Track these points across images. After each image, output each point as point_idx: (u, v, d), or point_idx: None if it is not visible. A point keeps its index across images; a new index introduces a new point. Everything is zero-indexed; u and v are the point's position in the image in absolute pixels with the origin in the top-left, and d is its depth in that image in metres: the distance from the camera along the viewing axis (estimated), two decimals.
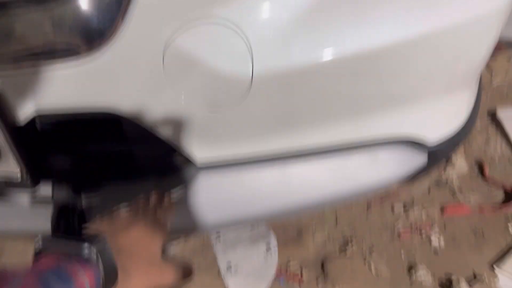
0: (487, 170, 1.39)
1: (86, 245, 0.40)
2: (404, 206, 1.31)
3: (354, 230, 1.25)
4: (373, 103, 0.73)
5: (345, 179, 0.80)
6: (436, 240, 1.19)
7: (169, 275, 0.53)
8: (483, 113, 1.68)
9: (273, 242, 1.22)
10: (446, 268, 1.12)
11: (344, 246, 1.21)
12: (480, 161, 1.44)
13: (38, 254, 0.41)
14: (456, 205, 1.28)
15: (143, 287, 0.49)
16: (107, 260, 0.42)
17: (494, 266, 1.10)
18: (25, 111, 0.67)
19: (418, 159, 0.85)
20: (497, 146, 1.49)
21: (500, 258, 1.12)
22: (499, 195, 1.31)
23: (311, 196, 0.80)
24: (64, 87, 0.65)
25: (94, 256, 0.40)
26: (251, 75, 0.62)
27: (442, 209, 1.28)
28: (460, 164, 1.42)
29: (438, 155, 0.86)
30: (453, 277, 1.07)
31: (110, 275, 0.42)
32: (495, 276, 1.07)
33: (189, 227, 0.78)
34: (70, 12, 0.59)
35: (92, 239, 0.42)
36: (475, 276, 1.08)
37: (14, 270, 0.32)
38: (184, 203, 0.77)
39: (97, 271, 0.40)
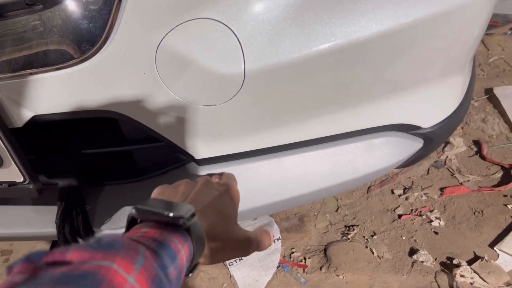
0: (485, 149, 1.40)
1: (182, 218, 0.40)
2: (404, 189, 1.33)
3: (355, 215, 1.27)
4: (367, 92, 0.74)
5: (343, 168, 0.81)
6: (436, 221, 1.20)
7: (247, 245, 0.52)
8: (480, 91, 1.68)
9: (276, 231, 1.24)
10: (447, 249, 1.13)
11: (346, 231, 1.22)
12: (478, 140, 1.44)
13: (132, 223, 0.42)
14: (455, 186, 1.30)
15: (224, 258, 0.49)
16: (197, 232, 0.42)
17: (494, 246, 1.11)
18: (23, 114, 0.68)
19: (414, 144, 0.86)
20: (495, 124, 1.50)
21: (499, 237, 1.13)
22: (498, 174, 1.32)
23: (311, 186, 0.81)
24: (61, 91, 0.65)
25: (189, 229, 0.40)
26: (243, 71, 0.63)
27: (441, 190, 1.30)
28: (458, 144, 1.43)
29: (434, 139, 0.87)
30: (454, 258, 1.09)
31: (199, 247, 0.42)
32: (496, 255, 1.09)
33: None
34: (61, 21, 0.60)
35: (184, 211, 0.41)
36: (475, 256, 1.10)
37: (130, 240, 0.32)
38: None
39: (190, 243, 0.40)
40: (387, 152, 0.83)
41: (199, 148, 0.76)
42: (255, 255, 1.19)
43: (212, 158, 0.77)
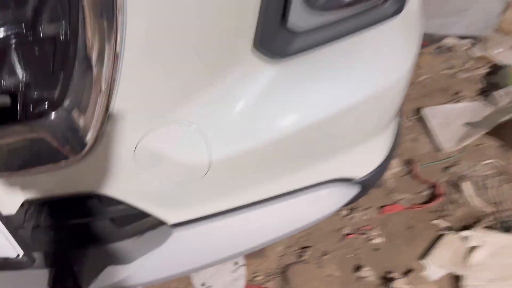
0: (415, 169, 1.61)
1: None
2: (350, 209, 1.51)
3: (307, 238, 1.44)
4: (313, 159, 0.89)
5: (292, 219, 0.97)
6: (377, 239, 1.40)
7: None
8: (410, 111, 1.89)
9: (240, 258, 1.39)
10: (385, 263, 1.33)
11: (301, 253, 1.39)
12: (409, 160, 1.66)
13: None
14: (391, 204, 1.50)
15: None
16: None
17: (423, 259, 1.32)
18: (15, 201, 0.78)
19: (352, 191, 1.03)
20: (424, 143, 1.72)
21: (427, 250, 1.34)
22: (426, 191, 1.54)
23: (266, 236, 0.96)
24: (52, 180, 0.76)
25: None
26: (209, 161, 0.76)
27: (380, 209, 1.50)
28: (393, 165, 1.63)
29: (369, 184, 1.05)
30: (392, 272, 1.29)
31: None
32: (425, 267, 1.30)
33: (166, 277, 0.93)
34: (51, 131, 0.70)
35: None
36: (409, 269, 1.30)
37: None
38: (160, 257, 0.91)
39: None
40: (329, 201, 1.00)
41: (170, 215, 0.89)
42: (221, 281, 1.34)
43: (182, 222, 0.90)
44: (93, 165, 0.74)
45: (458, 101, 1.88)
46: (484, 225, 1.37)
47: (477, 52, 2.17)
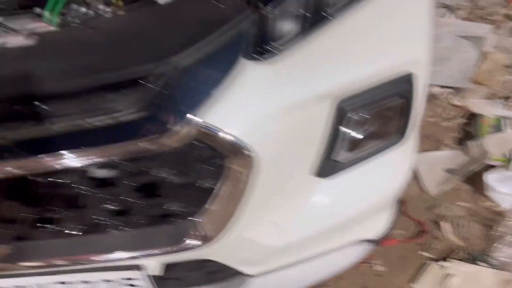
0: (406, 208, 2.07)
1: None
2: None
3: None
4: (347, 229, 1.34)
5: (333, 267, 1.43)
6: (378, 266, 1.87)
7: None
8: None
9: None
10: (385, 287, 1.80)
11: None
12: (402, 201, 2.12)
13: None
14: (388, 239, 1.97)
15: None
16: None
17: (413, 283, 1.80)
18: (160, 266, 1.22)
19: (370, 246, 1.48)
20: (412, 186, 2.18)
21: (416, 276, 1.82)
22: (415, 228, 2.01)
23: (315, 279, 1.42)
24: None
25: None
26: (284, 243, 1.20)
27: (381, 242, 1.96)
28: None
29: (381, 240, 1.51)
30: None
31: None
32: None
33: None
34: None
35: None
36: None
37: None
38: None
39: None
40: (355, 255, 1.45)
41: (248, 269, 1.33)
42: None
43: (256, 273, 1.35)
44: (215, 249, 1.18)
45: (440, 149, 2.35)
46: (458, 257, 1.85)
47: (456, 101, 2.61)
